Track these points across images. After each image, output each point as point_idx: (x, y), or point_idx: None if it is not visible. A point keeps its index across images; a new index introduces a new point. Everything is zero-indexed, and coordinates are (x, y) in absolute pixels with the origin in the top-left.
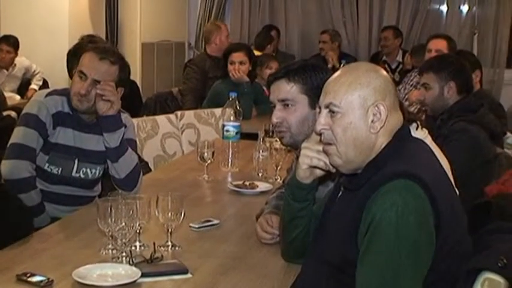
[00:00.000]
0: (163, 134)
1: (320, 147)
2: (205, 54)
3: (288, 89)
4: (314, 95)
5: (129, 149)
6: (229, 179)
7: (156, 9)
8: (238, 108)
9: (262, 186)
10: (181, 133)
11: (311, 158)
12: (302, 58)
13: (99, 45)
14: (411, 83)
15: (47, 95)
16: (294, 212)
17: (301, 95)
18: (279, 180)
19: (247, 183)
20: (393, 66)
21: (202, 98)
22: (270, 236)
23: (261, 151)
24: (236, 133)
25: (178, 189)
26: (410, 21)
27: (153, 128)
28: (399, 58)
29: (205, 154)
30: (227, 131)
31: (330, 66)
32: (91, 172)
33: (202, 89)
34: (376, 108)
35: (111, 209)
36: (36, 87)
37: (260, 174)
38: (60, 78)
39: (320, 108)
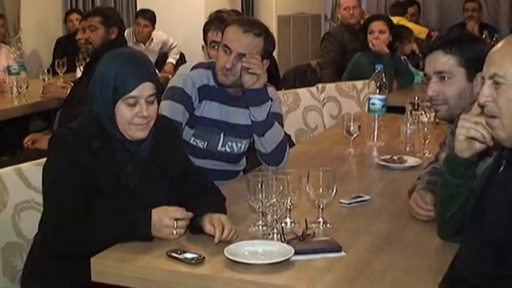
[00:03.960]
0: (305, 107)
1: (478, 119)
2: (342, 26)
3: (444, 61)
4: (471, 67)
5: (276, 123)
6: (376, 153)
7: None
8: (384, 80)
9: (411, 160)
10: (323, 106)
11: (468, 129)
12: (440, 29)
13: (243, 18)
14: None
15: (192, 69)
16: (452, 188)
17: (458, 68)
18: (427, 154)
19: (395, 157)
20: None
21: (341, 71)
22: (426, 212)
23: (408, 125)
24: (382, 106)
25: (324, 164)
26: None
27: (295, 101)
28: None
29: (352, 128)
30: (373, 104)
31: None
32: (237, 146)
33: (341, 61)
34: None
35: (261, 184)
36: (173, 61)
37: (408, 149)
38: (197, 52)
39: (483, 79)
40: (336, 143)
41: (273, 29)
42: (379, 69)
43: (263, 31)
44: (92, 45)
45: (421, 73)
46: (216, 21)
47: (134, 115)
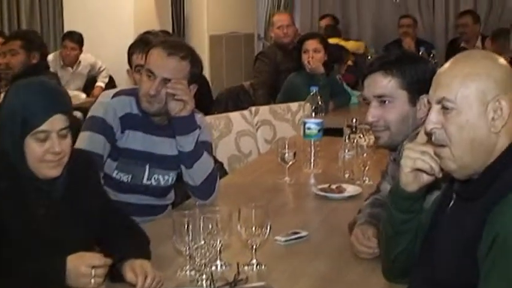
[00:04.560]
0: (238, 132)
1: (425, 148)
2: (275, 46)
3: (384, 84)
4: (414, 90)
5: (205, 153)
6: (313, 181)
7: (223, 0)
8: (319, 103)
9: (351, 189)
10: (257, 130)
11: (414, 160)
12: (375, 47)
13: (167, 40)
14: None
15: (113, 96)
16: (398, 225)
17: (400, 90)
18: (367, 181)
19: (333, 186)
20: None
21: (275, 92)
22: (368, 250)
23: (346, 150)
24: (319, 131)
25: (258, 196)
26: (488, 4)
27: (227, 126)
28: (479, 44)
29: (287, 155)
30: (308, 128)
31: None
32: (163, 179)
33: (275, 82)
34: (497, 103)
35: (188, 225)
36: (102, 85)
37: (347, 176)
38: (126, 75)
39: (429, 103)
40: (270, 171)
41: (205, 49)
42: (314, 91)
43: (189, 54)
44: (13, 71)
45: (357, 93)
46: (141, 44)
47: (45, 151)
